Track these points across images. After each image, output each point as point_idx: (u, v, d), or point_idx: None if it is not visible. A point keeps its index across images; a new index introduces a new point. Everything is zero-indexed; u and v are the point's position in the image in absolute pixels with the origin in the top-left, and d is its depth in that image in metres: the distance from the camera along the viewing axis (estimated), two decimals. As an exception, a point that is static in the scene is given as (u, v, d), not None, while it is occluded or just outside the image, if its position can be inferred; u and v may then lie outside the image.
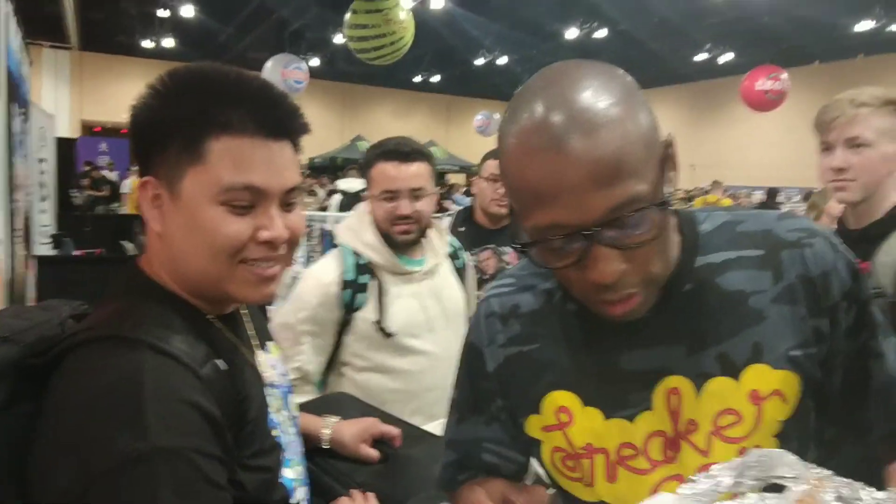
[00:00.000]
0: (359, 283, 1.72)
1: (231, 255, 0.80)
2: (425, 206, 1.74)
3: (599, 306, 0.76)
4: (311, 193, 10.13)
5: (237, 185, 0.78)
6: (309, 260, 4.90)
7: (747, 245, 0.81)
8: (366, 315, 1.71)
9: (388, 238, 1.74)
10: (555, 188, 0.68)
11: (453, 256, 1.95)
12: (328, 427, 1.27)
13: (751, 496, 0.66)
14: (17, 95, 2.56)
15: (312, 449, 1.25)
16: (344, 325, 1.71)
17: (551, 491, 0.91)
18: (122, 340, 0.74)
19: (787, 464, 0.65)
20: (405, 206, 1.70)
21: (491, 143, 2.97)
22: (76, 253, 5.27)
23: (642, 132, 0.70)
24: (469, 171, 18.65)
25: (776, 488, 0.65)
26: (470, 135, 19.94)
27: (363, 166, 1.77)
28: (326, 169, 15.79)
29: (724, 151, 19.64)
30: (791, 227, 0.82)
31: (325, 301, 1.69)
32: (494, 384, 0.91)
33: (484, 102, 21.50)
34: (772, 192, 11.96)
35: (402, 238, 1.74)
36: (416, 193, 1.71)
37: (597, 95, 0.69)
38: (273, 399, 0.91)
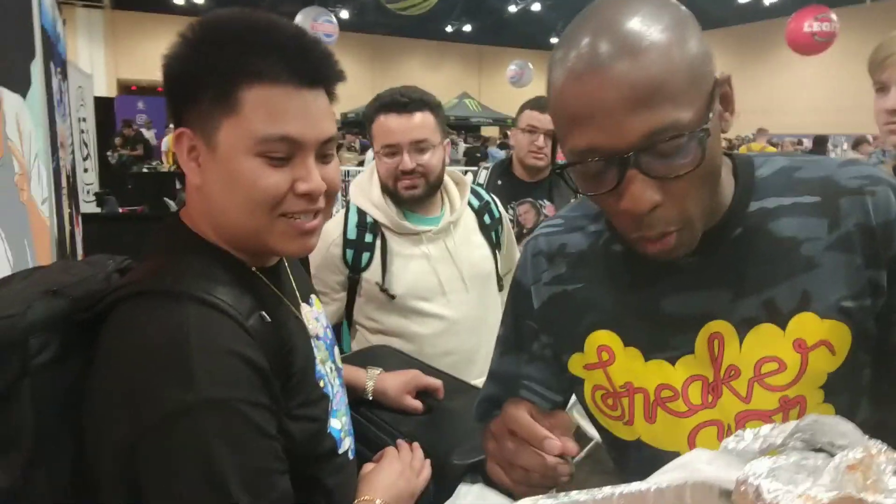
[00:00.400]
0: (364, 242, 1.67)
1: (270, 208, 0.79)
2: (432, 159, 1.63)
3: (638, 243, 0.75)
4: (351, 149, 10.14)
5: (273, 136, 0.77)
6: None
7: (804, 191, 0.78)
8: (370, 276, 1.67)
9: (395, 195, 1.67)
10: (592, 109, 0.67)
11: (481, 212, 1.80)
12: (372, 379, 1.29)
13: (795, 453, 0.65)
14: (54, 54, 2.57)
15: (357, 400, 1.27)
16: (353, 286, 1.69)
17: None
18: (167, 294, 0.74)
19: (842, 432, 0.63)
20: (407, 161, 1.60)
21: (525, 93, 2.89)
22: (120, 210, 5.39)
23: (689, 60, 0.68)
24: (503, 123, 18.41)
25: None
26: (503, 86, 19.58)
27: (366, 122, 1.69)
28: (360, 124, 15.72)
29: (770, 98, 18.92)
30: (853, 175, 0.78)
31: (326, 262, 1.67)
32: (539, 322, 0.92)
33: (517, 52, 21.06)
34: (819, 140, 11.53)
35: (408, 194, 1.64)
36: (419, 146, 1.61)
37: (643, 21, 0.67)
38: (318, 351, 0.91)
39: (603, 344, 0.87)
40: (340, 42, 11.83)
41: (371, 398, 1.28)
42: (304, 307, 0.94)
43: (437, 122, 1.65)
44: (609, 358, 0.87)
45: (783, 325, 0.77)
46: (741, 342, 0.79)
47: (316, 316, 0.96)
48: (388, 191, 1.68)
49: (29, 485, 0.69)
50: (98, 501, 0.73)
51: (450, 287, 1.69)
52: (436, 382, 1.30)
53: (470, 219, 1.79)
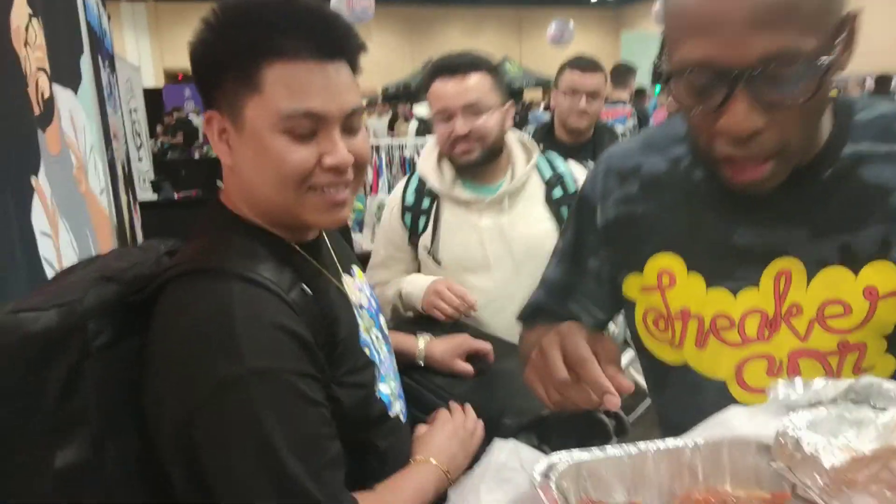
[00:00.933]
0: (422, 208, 1.68)
1: (299, 183, 0.81)
2: (487, 122, 1.56)
3: (726, 169, 0.74)
4: (408, 119, 10.14)
5: (296, 112, 0.78)
6: (391, 189, 4.97)
7: None
8: (424, 241, 1.68)
9: (451, 160, 1.64)
10: (715, 20, 0.65)
11: (551, 184, 1.67)
12: (422, 344, 1.32)
13: (838, 407, 0.64)
14: (101, 48, 2.65)
15: (409, 366, 1.30)
16: (415, 250, 1.71)
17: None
18: (211, 273, 0.77)
19: (888, 392, 0.62)
20: (460, 125, 1.55)
21: (567, 53, 2.82)
22: (175, 196, 5.55)
23: None
24: (546, 85, 18.05)
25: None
26: (544, 47, 19.15)
27: (424, 88, 1.65)
28: (400, 96, 15.70)
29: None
30: None
31: (391, 225, 1.71)
32: (600, 239, 0.93)
33: (556, 11, 20.52)
34: (881, 80, 10.91)
35: (464, 159, 1.60)
36: (472, 109, 1.55)
37: None
38: (362, 320, 0.93)
39: (665, 267, 0.87)
40: (377, 16, 11.77)
41: (423, 364, 1.31)
42: (345, 278, 0.96)
43: (493, 83, 1.59)
44: (669, 282, 0.87)
45: (856, 271, 0.76)
46: (809, 281, 0.78)
47: (359, 286, 0.99)
48: (449, 157, 1.66)
49: (100, 460, 0.74)
50: (163, 475, 0.77)
51: (496, 262, 1.62)
52: (485, 346, 1.32)
53: (536, 190, 1.67)
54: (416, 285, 1.59)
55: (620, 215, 0.90)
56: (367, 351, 0.91)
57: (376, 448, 0.90)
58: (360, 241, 3.94)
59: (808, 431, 0.62)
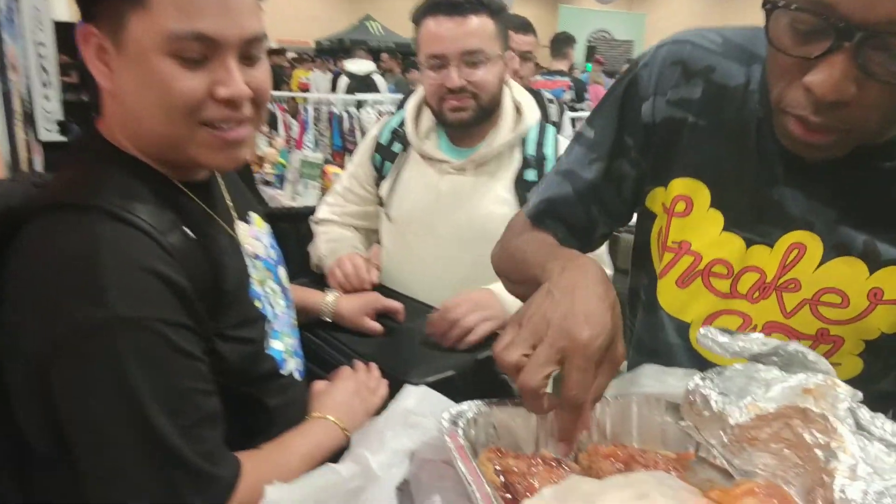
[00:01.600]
0: (392, 151, 1.51)
1: (187, 115, 0.73)
2: (486, 74, 1.35)
3: (788, 120, 0.67)
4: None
5: (184, 33, 0.70)
6: (317, 145, 4.85)
7: None
8: (382, 190, 1.53)
9: (439, 117, 1.42)
10: None
11: (528, 164, 1.42)
12: (330, 300, 1.28)
13: (748, 366, 0.64)
14: (0, -32, 2.42)
15: (315, 322, 1.26)
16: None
17: None
18: (78, 208, 0.70)
19: (818, 369, 0.62)
20: (455, 76, 1.33)
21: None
22: (84, 140, 5.22)
23: None
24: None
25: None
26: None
27: (414, 27, 1.41)
28: (335, 52, 15.26)
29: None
30: None
31: (361, 157, 1.57)
32: (639, 140, 0.83)
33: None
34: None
35: (455, 117, 1.38)
36: (471, 58, 1.33)
37: None
38: (256, 271, 0.88)
39: (685, 193, 0.80)
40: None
41: (329, 320, 1.27)
42: (240, 225, 0.89)
43: (497, 29, 1.36)
44: (685, 209, 0.81)
45: (872, 270, 0.73)
46: (821, 263, 0.75)
47: (255, 234, 0.92)
48: (433, 111, 1.44)
49: None
50: (14, 418, 0.72)
51: (444, 232, 1.44)
52: (396, 305, 1.30)
53: (511, 165, 1.43)
54: (332, 251, 1.49)
55: (670, 118, 0.80)
56: (258, 304, 0.85)
57: (265, 406, 0.85)
58: (281, 197, 3.81)
59: (717, 390, 0.62)
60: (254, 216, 0.95)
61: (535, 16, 2.56)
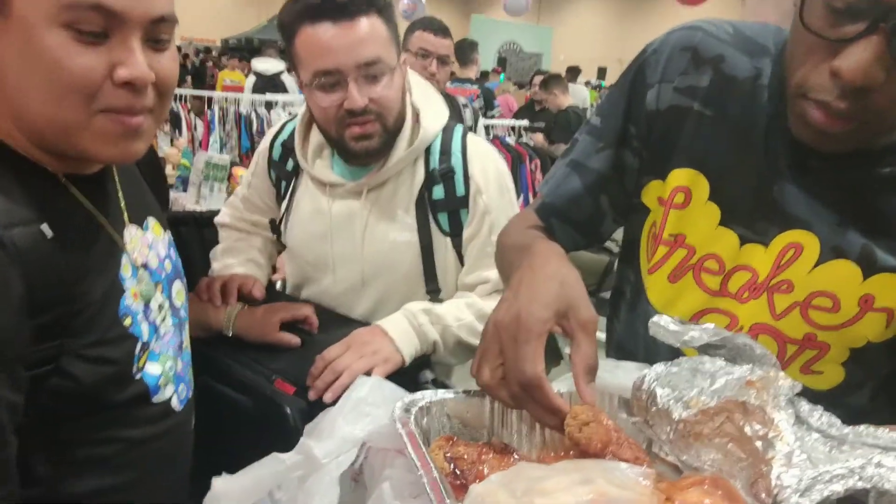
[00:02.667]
0: (286, 169, 1.32)
1: (84, 99, 0.64)
2: (388, 90, 1.13)
3: (808, 106, 0.65)
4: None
5: (82, 1, 0.61)
6: (223, 147, 4.65)
7: None
8: (280, 213, 1.36)
9: (340, 147, 1.19)
10: None
11: (431, 181, 1.21)
12: (231, 314, 1.17)
13: (702, 357, 0.65)
14: None
15: (220, 337, 1.16)
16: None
17: None
18: None
19: (764, 363, 0.63)
20: (356, 95, 1.09)
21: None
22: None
23: None
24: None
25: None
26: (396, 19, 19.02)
27: (283, 37, 1.16)
28: (242, 51, 14.82)
29: (651, 47, 19.59)
30: None
31: (258, 168, 1.38)
32: (641, 127, 0.82)
33: (411, -15, 20.42)
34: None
35: (361, 146, 1.15)
36: (368, 71, 1.10)
37: None
38: (138, 283, 0.78)
39: (684, 185, 0.78)
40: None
41: (231, 334, 1.16)
42: (131, 229, 0.80)
43: (389, 31, 1.14)
44: (683, 201, 0.79)
45: (867, 275, 0.72)
46: (815, 265, 0.74)
47: (149, 242, 0.83)
48: (331, 140, 1.20)
49: None
50: None
51: (340, 264, 1.26)
52: (305, 311, 1.19)
53: (411, 183, 1.23)
54: (223, 266, 1.36)
55: (675, 106, 0.78)
56: (127, 321, 0.75)
57: (125, 438, 0.76)
58: (184, 200, 3.62)
59: (662, 384, 0.62)
60: (152, 221, 0.86)
61: (447, 23, 2.55)
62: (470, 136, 1.28)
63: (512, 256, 0.81)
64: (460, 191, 1.21)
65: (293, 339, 1.14)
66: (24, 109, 0.66)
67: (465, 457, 0.59)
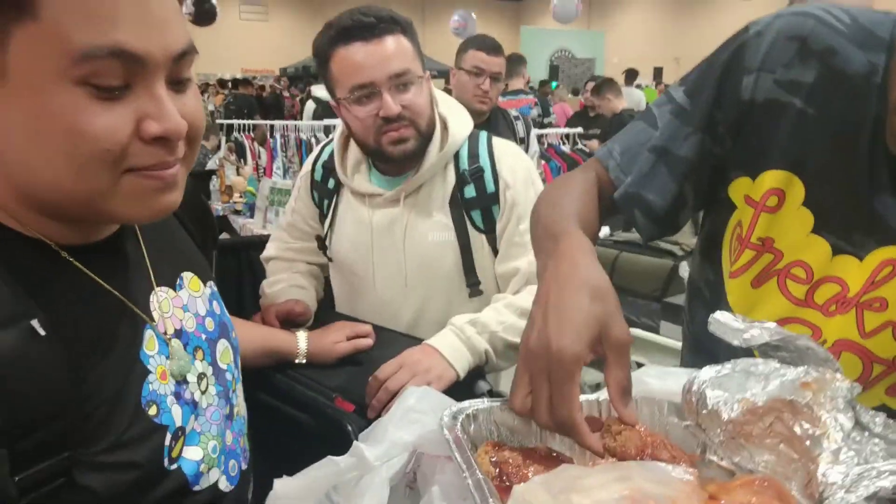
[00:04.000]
0: (328, 188, 1.41)
1: (111, 165, 0.55)
2: (418, 97, 1.23)
3: None
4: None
5: (99, 48, 0.52)
6: (286, 172, 4.81)
7: None
8: (324, 227, 1.43)
9: (379, 155, 1.27)
10: None
11: (462, 181, 1.30)
12: (302, 343, 1.21)
13: (743, 362, 0.64)
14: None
15: (283, 364, 1.20)
16: None
17: None
18: None
19: (826, 367, 0.61)
20: (390, 102, 1.19)
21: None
22: None
23: None
24: (446, 76, 18.12)
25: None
26: (446, 36, 19.24)
27: (319, 62, 1.28)
28: (300, 79, 15.27)
29: (711, 43, 19.09)
30: None
31: (301, 192, 1.47)
32: (731, 115, 0.75)
33: (460, 1, 20.63)
34: None
35: (398, 150, 1.23)
36: (399, 81, 1.20)
37: None
38: (172, 360, 0.68)
39: (778, 187, 0.73)
40: (276, -6, 11.32)
41: (304, 361, 1.20)
42: (159, 294, 0.70)
43: (413, 47, 1.25)
44: (776, 205, 0.74)
45: None
46: None
47: (184, 303, 0.73)
48: (369, 150, 1.28)
49: None
50: None
51: (382, 271, 1.33)
52: (365, 328, 1.25)
53: (444, 185, 1.31)
54: (272, 296, 1.39)
55: (774, 101, 0.72)
56: (152, 411, 0.64)
57: None
58: (252, 225, 3.77)
59: (712, 386, 0.61)
60: (188, 277, 0.76)
61: (498, 37, 2.57)
62: (495, 138, 1.37)
63: (542, 237, 0.74)
64: (490, 188, 1.30)
65: (364, 342, 1.21)
66: (33, 183, 0.57)
67: (511, 461, 0.60)
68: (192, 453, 0.69)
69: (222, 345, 0.78)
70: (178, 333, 0.70)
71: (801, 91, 0.72)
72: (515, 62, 4.62)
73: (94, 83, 0.53)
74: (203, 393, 0.72)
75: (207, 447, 0.71)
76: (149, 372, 0.65)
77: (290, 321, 1.30)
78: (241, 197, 4.14)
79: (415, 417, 0.69)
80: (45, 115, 0.53)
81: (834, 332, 0.74)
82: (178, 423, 0.67)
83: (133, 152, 0.56)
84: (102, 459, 0.59)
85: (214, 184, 4.35)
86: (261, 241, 1.60)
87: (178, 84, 0.59)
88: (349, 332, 1.23)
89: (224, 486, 0.74)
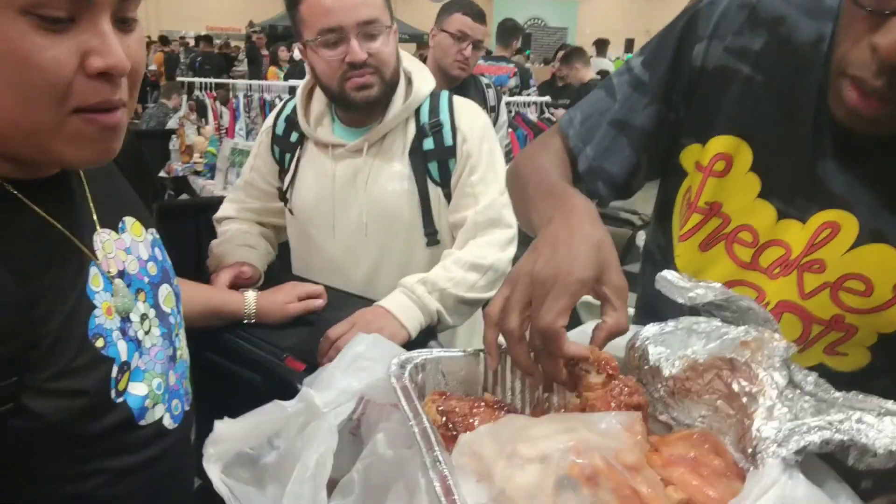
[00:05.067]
0: (290, 141, 1.40)
1: (57, 98, 0.56)
2: (385, 47, 1.25)
3: (845, 83, 0.64)
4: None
5: None
6: (249, 134, 4.71)
7: None
8: (285, 181, 1.42)
9: (342, 100, 1.29)
10: None
11: (422, 133, 1.33)
12: (250, 301, 1.20)
13: (686, 320, 0.65)
14: None
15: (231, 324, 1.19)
16: None
17: None
18: None
19: (767, 327, 0.62)
20: (357, 49, 1.21)
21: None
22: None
23: None
24: (420, 40, 17.84)
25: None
26: (419, 1, 18.91)
27: (289, 3, 1.28)
28: (283, 38, 14.92)
29: (680, 16, 19.08)
30: None
31: (260, 149, 1.47)
32: (683, 83, 0.79)
33: (433, -36, 20.27)
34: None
35: (362, 96, 1.25)
36: (367, 30, 1.22)
37: None
38: (115, 297, 0.70)
39: (726, 152, 0.75)
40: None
41: (253, 320, 1.20)
42: (102, 234, 0.71)
43: None
44: (723, 169, 0.76)
45: None
46: (851, 247, 0.71)
47: (126, 245, 0.74)
48: (333, 95, 1.30)
49: None
50: None
51: (342, 221, 1.35)
52: (316, 288, 1.25)
53: (404, 137, 1.34)
54: (221, 254, 1.37)
55: (724, 67, 0.75)
56: (98, 343, 0.66)
57: (110, 469, 0.69)
58: (212, 186, 3.69)
59: (655, 343, 0.62)
60: (130, 222, 0.77)
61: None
62: (456, 97, 1.41)
63: (537, 197, 0.76)
64: (448, 141, 1.33)
65: (315, 303, 1.21)
66: None
67: (458, 410, 0.61)
68: (137, 389, 0.71)
69: (165, 289, 0.80)
70: (121, 274, 0.72)
71: (749, 58, 0.74)
72: (510, 30, 4.52)
73: (39, 13, 0.53)
74: (146, 333, 0.74)
75: (152, 384, 0.73)
76: (94, 307, 0.67)
77: (238, 285, 1.29)
78: (201, 157, 4.05)
79: (363, 365, 0.69)
80: None
81: (776, 293, 0.76)
82: (124, 357, 0.69)
83: (77, 88, 0.57)
84: (50, 386, 0.62)
85: (174, 143, 4.24)
86: (220, 203, 1.57)
87: (123, 23, 0.59)
88: (300, 292, 1.22)
89: (168, 423, 0.76)
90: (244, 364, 1.10)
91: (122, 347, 0.69)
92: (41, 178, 0.66)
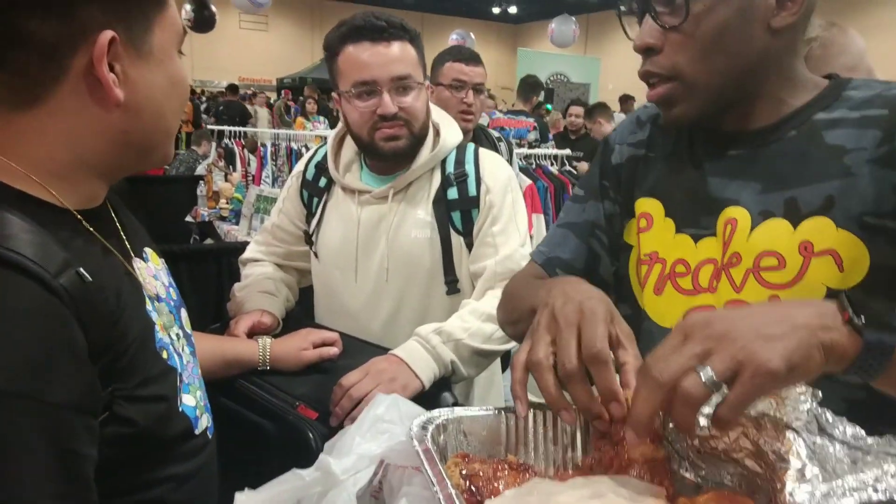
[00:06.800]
0: (319, 186, 1.45)
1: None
2: (416, 101, 1.31)
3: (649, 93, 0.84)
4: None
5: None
6: (275, 181, 4.80)
7: (878, 105, 0.76)
8: (311, 225, 1.45)
9: (371, 149, 1.34)
10: None
11: (447, 183, 1.37)
12: (265, 346, 1.20)
13: None
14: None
15: (246, 372, 1.19)
16: None
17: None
18: None
19: None
20: (388, 102, 1.27)
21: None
22: None
23: None
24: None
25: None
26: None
27: (328, 55, 1.35)
28: (295, 90, 15.33)
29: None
30: None
31: (290, 193, 1.51)
32: (612, 181, 0.98)
33: (459, 21, 20.84)
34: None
35: (390, 147, 1.31)
36: (401, 84, 1.28)
37: None
38: (160, 315, 0.77)
39: (646, 211, 0.92)
40: (277, 4, 11.37)
41: (268, 367, 1.20)
42: (137, 262, 0.78)
43: (418, 56, 1.34)
44: (647, 225, 0.91)
45: (795, 224, 0.77)
46: (751, 231, 0.80)
47: (153, 272, 0.81)
48: (363, 144, 1.35)
49: None
50: None
51: (365, 266, 1.38)
52: (331, 335, 1.24)
53: (430, 186, 1.38)
54: (241, 300, 1.39)
55: (631, 158, 0.96)
56: (164, 354, 0.74)
57: (175, 475, 0.74)
58: (236, 232, 3.76)
59: None
60: (149, 252, 0.84)
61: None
62: (482, 149, 1.45)
63: (526, 293, 0.88)
64: (472, 192, 1.37)
65: (330, 351, 1.21)
66: (154, 130, 0.75)
67: (481, 473, 0.60)
68: (188, 400, 0.77)
69: (183, 312, 0.87)
70: (156, 298, 0.78)
71: (643, 145, 0.96)
72: (531, 86, 4.55)
73: (179, 50, 0.75)
74: (182, 351, 0.80)
75: (196, 396, 0.80)
76: (153, 323, 0.74)
77: (255, 333, 1.30)
78: (227, 203, 4.13)
79: (383, 427, 0.68)
80: (173, 74, 0.74)
81: (721, 300, 0.82)
82: (180, 369, 0.77)
83: None
84: (137, 393, 0.68)
85: (202, 189, 4.34)
86: (242, 248, 1.59)
87: None
88: (315, 338, 1.23)
89: (210, 435, 0.83)
90: (256, 410, 1.10)
91: (177, 360, 0.76)
92: (89, 210, 0.73)
